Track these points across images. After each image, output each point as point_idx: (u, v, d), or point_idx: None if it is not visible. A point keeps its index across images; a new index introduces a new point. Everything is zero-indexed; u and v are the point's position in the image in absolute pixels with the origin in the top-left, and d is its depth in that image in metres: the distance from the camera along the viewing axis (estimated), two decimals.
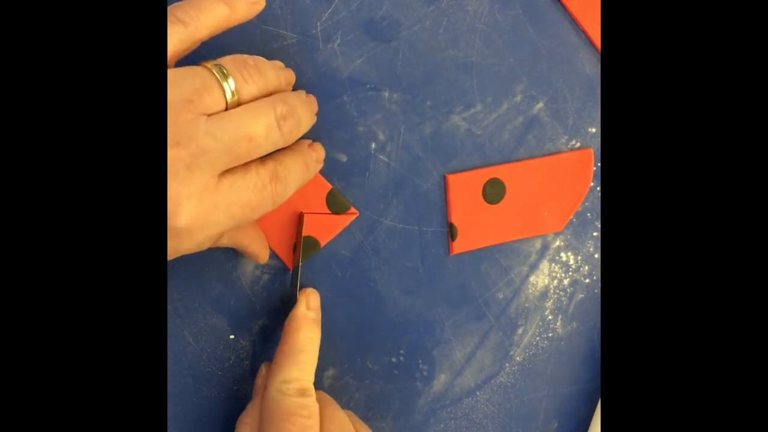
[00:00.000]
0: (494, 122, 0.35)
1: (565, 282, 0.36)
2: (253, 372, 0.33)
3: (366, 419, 0.34)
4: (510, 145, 0.35)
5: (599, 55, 0.36)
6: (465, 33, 0.35)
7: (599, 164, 0.36)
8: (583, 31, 0.36)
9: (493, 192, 0.34)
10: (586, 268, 0.36)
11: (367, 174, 0.34)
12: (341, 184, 0.34)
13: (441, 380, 0.35)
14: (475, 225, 0.34)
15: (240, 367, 0.33)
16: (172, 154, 0.23)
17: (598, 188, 0.36)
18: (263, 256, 0.32)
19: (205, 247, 0.27)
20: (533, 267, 0.35)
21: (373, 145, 0.34)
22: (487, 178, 0.34)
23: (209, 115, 0.24)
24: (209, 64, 0.25)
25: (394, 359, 0.34)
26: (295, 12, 0.33)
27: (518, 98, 0.35)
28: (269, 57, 0.33)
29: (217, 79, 0.25)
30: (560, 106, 0.35)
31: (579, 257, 0.36)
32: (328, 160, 0.33)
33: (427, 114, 0.34)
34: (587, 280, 0.36)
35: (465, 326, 0.35)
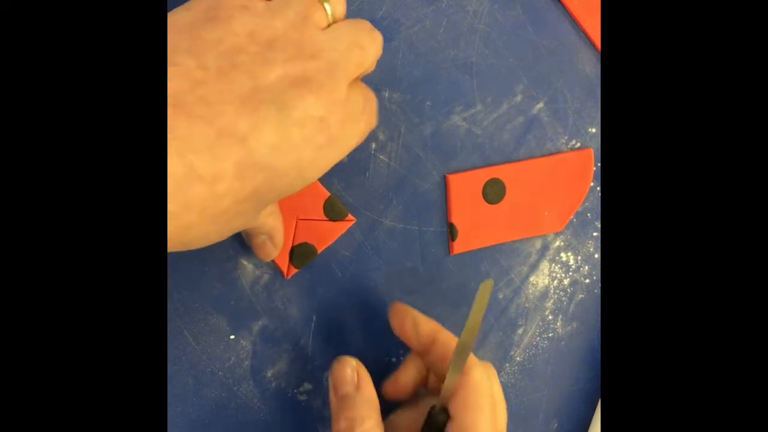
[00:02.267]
0: (494, 122, 0.35)
1: (565, 282, 0.36)
2: (254, 372, 0.33)
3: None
4: (510, 145, 0.35)
5: (599, 55, 0.36)
6: (465, 33, 0.35)
7: (599, 164, 0.36)
8: (583, 31, 0.36)
9: (493, 192, 0.34)
10: (586, 268, 0.36)
11: (367, 174, 0.34)
12: (341, 184, 0.34)
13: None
14: (476, 225, 0.34)
15: (240, 367, 0.33)
16: (313, 66, 0.25)
17: (598, 188, 0.36)
18: (278, 250, 0.32)
19: (267, 211, 0.28)
20: (533, 267, 0.35)
21: (373, 145, 0.34)
22: (487, 178, 0.34)
23: (324, 30, 0.26)
24: None
25: (394, 359, 0.34)
26: None
27: (518, 98, 0.35)
28: None
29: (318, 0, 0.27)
30: (560, 106, 0.35)
31: (579, 257, 0.36)
32: None
33: (427, 114, 0.34)
34: (587, 280, 0.36)
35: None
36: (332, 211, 0.33)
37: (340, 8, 0.28)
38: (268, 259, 0.32)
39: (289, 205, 0.33)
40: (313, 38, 0.26)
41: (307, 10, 0.26)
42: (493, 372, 0.29)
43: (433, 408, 0.28)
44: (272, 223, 0.30)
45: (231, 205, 0.24)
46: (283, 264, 0.33)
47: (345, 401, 0.28)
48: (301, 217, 0.33)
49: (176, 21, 0.25)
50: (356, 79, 0.27)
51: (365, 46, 0.27)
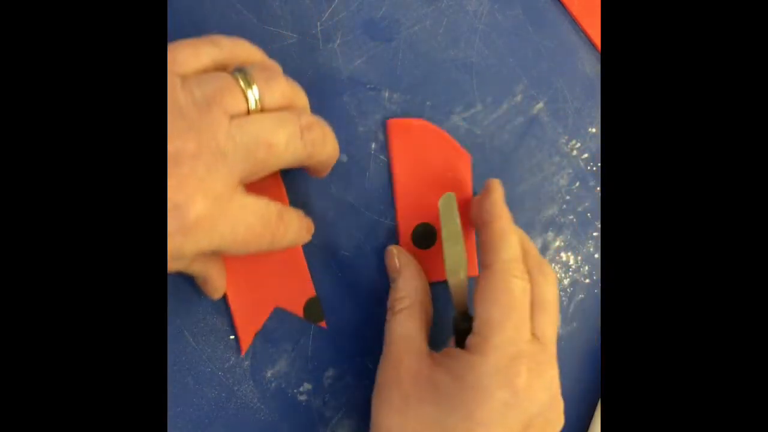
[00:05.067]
0: (494, 122, 0.35)
1: (565, 282, 0.36)
2: (254, 372, 0.33)
3: (366, 419, 0.34)
4: (510, 145, 0.35)
5: (599, 55, 0.36)
6: (465, 33, 0.35)
7: (599, 164, 0.36)
8: (583, 31, 0.36)
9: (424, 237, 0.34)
10: (586, 268, 0.36)
11: (367, 174, 0.34)
12: (341, 184, 0.34)
13: None
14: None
15: (240, 367, 0.33)
16: (192, 150, 0.23)
17: (598, 188, 0.36)
18: (220, 292, 0.32)
19: (186, 263, 0.27)
20: None
21: (373, 145, 0.34)
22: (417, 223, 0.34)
23: (233, 118, 0.24)
24: (234, 71, 0.26)
25: None
26: (295, 12, 0.33)
27: (518, 98, 0.35)
28: (269, 57, 0.33)
29: (240, 85, 0.25)
30: (560, 106, 0.35)
31: (579, 257, 0.36)
32: None
33: (427, 114, 0.34)
34: (587, 280, 0.36)
35: None
36: (310, 312, 0.33)
37: (272, 97, 0.26)
38: (215, 297, 0.32)
39: (271, 288, 0.33)
40: (211, 123, 0.24)
41: (219, 92, 0.24)
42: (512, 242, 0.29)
43: (454, 318, 0.31)
44: (199, 269, 0.29)
45: None
46: (245, 342, 0.33)
47: (391, 286, 0.32)
48: (279, 305, 0.33)
49: None
50: (258, 194, 0.26)
51: (279, 144, 0.25)
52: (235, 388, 0.33)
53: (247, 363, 0.33)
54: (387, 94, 0.34)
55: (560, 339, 0.35)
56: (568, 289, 0.36)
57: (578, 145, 0.36)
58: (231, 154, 0.24)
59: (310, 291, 0.33)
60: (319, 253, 0.34)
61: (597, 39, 0.36)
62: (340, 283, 0.34)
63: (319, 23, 0.33)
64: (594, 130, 0.36)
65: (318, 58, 0.33)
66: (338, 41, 0.34)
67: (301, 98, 0.28)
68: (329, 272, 0.34)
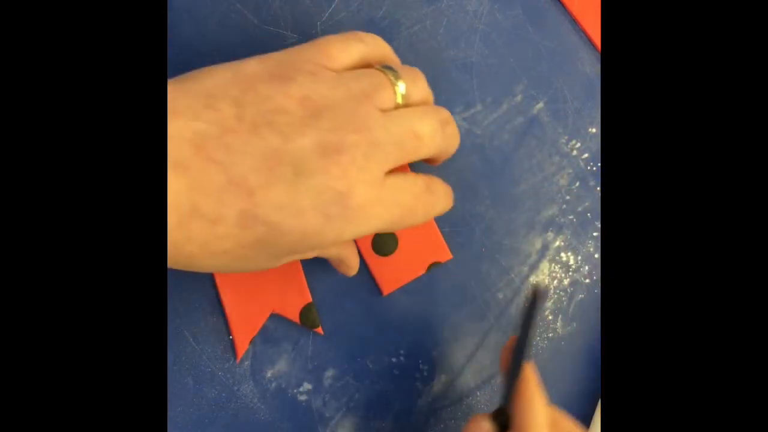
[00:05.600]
0: (494, 122, 0.35)
1: (565, 282, 0.36)
2: (254, 372, 0.33)
3: (366, 419, 0.34)
4: (510, 145, 0.35)
5: (599, 55, 0.36)
6: (465, 33, 0.35)
7: (599, 164, 0.36)
8: (583, 31, 0.36)
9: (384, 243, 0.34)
10: (586, 268, 0.36)
11: None
12: None
13: (441, 380, 0.35)
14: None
15: (240, 367, 0.33)
16: (353, 140, 0.25)
17: (598, 188, 0.36)
18: (355, 269, 0.32)
19: (324, 248, 0.28)
20: (533, 267, 0.35)
21: None
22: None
23: (383, 111, 0.26)
24: (379, 67, 0.28)
25: (394, 359, 0.34)
26: (295, 12, 0.33)
27: (518, 98, 0.35)
28: None
29: (391, 81, 0.27)
30: (560, 106, 0.35)
31: (579, 257, 0.36)
32: None
33: None
34: (587, 280, 0.36)
35: (465, 326, 0.35)
36: (307, 318, 0.33)
37: (417, 93, 0.28)
38: (349, 275, 0.33)
39: (268, 294, 0.33)
40: (367, 115, 0.26)
41: (373, 87, 0.26)
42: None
43: (494, 413, 0.29)
44: (336, 252, 0.31)
45: (233, 248, 0.25)
46: (240, 348, 0.33)
47: None
48: (275, 312, 0.33)
49: (241, 69, 0.26)
50: (404, 171, 0.27)
51: (425, 136, 0.27)
52: (235, 388, 0.33)
53: (247, 363, 0.33)
54: None
55: (560, 339, 0.35)
56: (568, 289, 0.36)
57: (578, 145, 0.36)
58: (384, 144, 0.26)
59: (307, 297, 0.33)
60: (314, 259, 0.34)
61: (597, 39, 0.36)
62: (339, 283, 0.34)
63: (319, 23, 0.33)
64: (594, 130, 0.36)
65: None
66: None
67: (432, 96, 0.30)
68: (329, 272, 0.34)
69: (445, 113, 0.29)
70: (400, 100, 0.27)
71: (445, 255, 0.34)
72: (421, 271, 0.34)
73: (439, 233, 0.34)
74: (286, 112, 0.25)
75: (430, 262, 0.34)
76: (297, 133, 0.24)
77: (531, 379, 0.28)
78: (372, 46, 0.29)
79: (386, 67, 0.28)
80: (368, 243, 0.34)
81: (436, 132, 0.28)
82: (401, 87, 0.27)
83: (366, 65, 0.28)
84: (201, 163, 0.24)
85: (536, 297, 0.28)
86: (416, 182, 0.28)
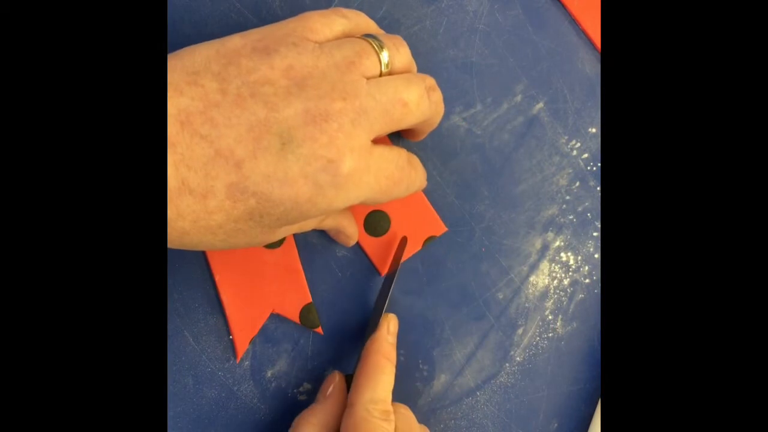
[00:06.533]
0: (494, 122, 0.35)
1: (565, 282, 0.36)
2: (254, 372, 0.33)
3: None
4: (510, 145, 0.35)
5: (599, 55, 0.36)
6: (465, 33, 0.35)
7: (599, 164, 0.36)
8: (583, 31, 0.36)
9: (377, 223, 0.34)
10: (586, 268, 0.36)
11: None
12: None
13: (441, 380, 0.35)
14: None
15: (240, 367, 0.33)
16: (339, 107, 0.25)
17: (598, 188, 0.36)
18: (355, 238, 0.33)
19: (320, 220, 0.29)
20: (533, 267, 0.35)
21: None
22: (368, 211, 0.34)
23: (368, 79, 0.26)
24: (365, 36, 0.28)
25: None
26: (295, 12, 0.33)
27: (518, 98, 0.35)
28: None
29: (374, 48, 0.27)
30: (560, 106, 0.35)
31: (579, 257, 0.36)
32: None
33: None
34: (587, 280, 0.36)
35: (465, 326, 0.35)
36: (307, 318, 0.33)
37: (401, 60, 0.28)
38: (349, 245, 0.33)
39: (268, 294, 0.33)
40: (353, 83, 0.26)
41: (356, 55, 0.26)
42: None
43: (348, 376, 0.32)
44: (333, 223, 0.31)
45: (226, 221, 0.25)
46: (240, 349, 0.33)
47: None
48: (275, 311, 0.33)
49: (224, 45, 0.26)
50: (389, 144, 0.28)
51: (411, 103, 0.27)
52: (235, 388, 0.33)
53: (247, 363, 0.33)
54: None
55: (560, 339, 0.35)
56: (568, 289, 0.36)
57: (578, 145, 0.36)
58: (371, 111, 0.26)
59: (306, 297, 0.33)
60: (319, 253, 0.34)
61: (597, 39, 0.36)
62: (340, 283, 0.34)
63: None
64: (594, 130, 0.36)
65: None
66: None
67: (415, 65, 0.30)
68: (329, 272, 0.34)
69: (430, 80, 0.29)
70: (384, 68, 0.27)
71: (439, 228, 0.34)
72: (418, 247, 0.34)
73: (431, 208, 0.34)
74: (271, 83, 0.25)
75: (425, 237, 0.34)
76: (283, 103, 0.24)
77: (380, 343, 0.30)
78: (354, 21, 0.29)
79: (369, 36, 0.28)
80: (361, 226, 0.34)
81: (422, 99, 0.28)
82: (385, 55, 0.27)
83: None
84: (187, 138, 0.24)
85: (402, 245, 0.31)
86: (401, 154, 0.29)
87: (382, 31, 0.30)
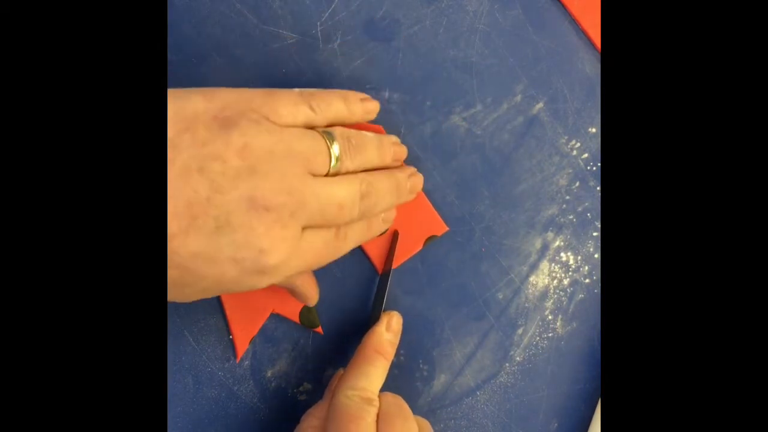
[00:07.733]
0: (494, 122, 0.35)
1: (565, 282, 0.36)
2: (254, 372, 0.33)
3: None
4: (510, 145, 0.35)
5: (599, 55, 0.36)
6: (465, 33, 0.35)
7: (599, 164, 0.36)
8: (583, 31, 0.36)
9: None
10: (586, 268, 0.36)
11: None
12: None
13: (441, 380, 0.35)
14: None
15: (240, 367, 0.33)
16: (282, 201, 0.25)
17: (598, 188, 0.36)
18: (313, 298, 0.32)
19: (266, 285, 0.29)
20: (533, 267, 0.35)
21: None
22: None
23: (314, 176, 0.27)
24: (321, 131, 0.28)
25: (394, 359, 0.34)
26: (295, 12, 0.33)
27: (518, 98, 0.35)
28: (269, 57, 0.33)
29: (327, 147, 0.28)
30: (560, 106, 0.35)
31: (579, 257, 0.36)
32: None
33: (427, 114, 0.34)
34: (587, 280, 0.36)
35: (465, 326, 0.35)
36: (307, 318, 0.33)
37: (351, 164, 0.28)
38: (309, 304, 0.33)
39: (268, 294, 0.33)
40: (301, 178, 0.26)
41: (312, 152, 0.27)
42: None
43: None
44: (285, 284, 0.31)
45: None
46: (240, 348, 0.33)
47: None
48: (275, 311, 0.33)
49: (185, 107, 0.25)
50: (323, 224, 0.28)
51: (345, 207, 0.28)
52: (235, 388, 0.33)
53: (247, 363, 0.33)
54: (387, 94, 0.34)
55: (560, 339, 0.35)
56: (568, 289, 0.36)
57: (578, 145, 0.36)
58: (309, 207, 0.26)
59: None
60: None
61: (597, 39, 0.36)
62: (339, 283, 0.34)
63: (319, 23, 0.34)
64: (594, 130, 0.36)
65: (318, 58, 0.33)
66: (338, 41, 0.34)
67: (380, 155, 0.30)
68: (329, 272, 0.34)
69: (366, 187, 0.29)
70: (332, 167, 0.28)
71: (440, 228, 0.34)
72: (419, 247, 0.34)
73: (432, 207, 0.34)
74: (223, 160, 0.24)
75: (426, 236, 0.34)
76: (229, 185, 0.24)
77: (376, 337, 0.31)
78: (321, 116, 0.28)
79: (328, 135, 0.28)
80: None
81: (354, 206, 0.28)
82: (336, 155, 0.28)
83: (309, 128, 0.28)
84: None
85: (394, 239, 0.32)
86: (328, 230, 0.29)
87: (355, 113, 0.30)
